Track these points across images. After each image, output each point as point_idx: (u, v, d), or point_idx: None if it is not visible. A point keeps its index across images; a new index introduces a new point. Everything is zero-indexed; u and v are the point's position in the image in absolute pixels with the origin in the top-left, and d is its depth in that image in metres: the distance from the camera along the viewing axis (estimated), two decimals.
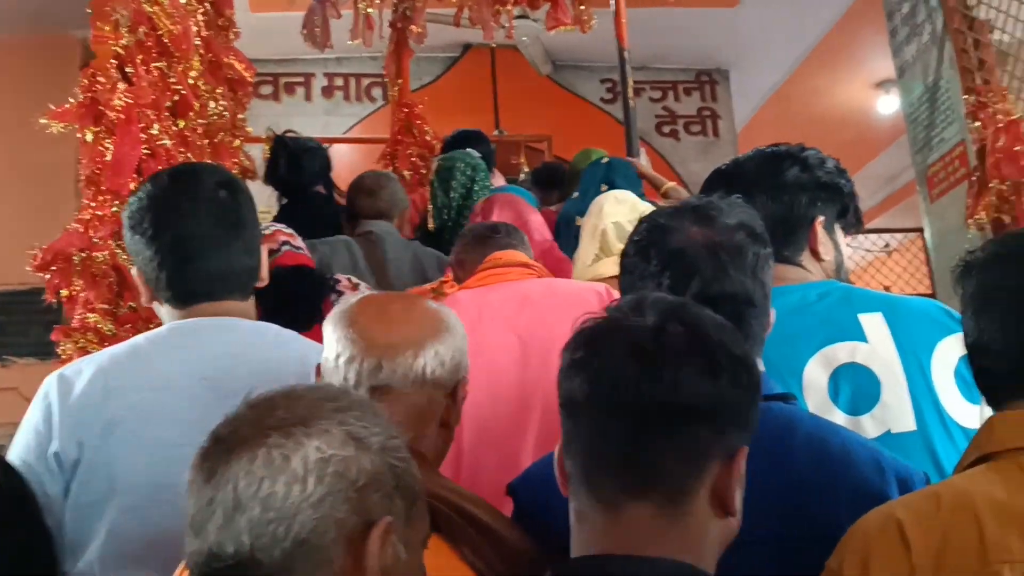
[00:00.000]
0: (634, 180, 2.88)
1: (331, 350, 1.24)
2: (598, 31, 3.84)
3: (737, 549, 0.96)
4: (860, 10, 5.33)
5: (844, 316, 1.36)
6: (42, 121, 2.01)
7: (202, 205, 1.43)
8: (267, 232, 2.21)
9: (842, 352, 1.33)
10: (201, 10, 2.65)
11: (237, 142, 3.14)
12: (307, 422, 0.79)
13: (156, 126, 2.02)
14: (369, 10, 3.65)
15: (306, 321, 2.07)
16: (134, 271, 1.48)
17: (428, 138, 3.74)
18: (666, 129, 6.31)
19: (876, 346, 1.33)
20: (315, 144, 3.12)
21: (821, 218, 1.45)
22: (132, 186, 1.85)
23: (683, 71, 6.38)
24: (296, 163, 2.99)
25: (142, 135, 1.96)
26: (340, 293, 2.18)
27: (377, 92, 5.95)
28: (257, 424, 0.80)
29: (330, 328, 1.25)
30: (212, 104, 2.63)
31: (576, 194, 2.94)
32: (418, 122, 3.80)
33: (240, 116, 3.24)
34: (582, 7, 3.71)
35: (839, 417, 1.29)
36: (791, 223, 1.43)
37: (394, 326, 1.24)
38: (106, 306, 1.98)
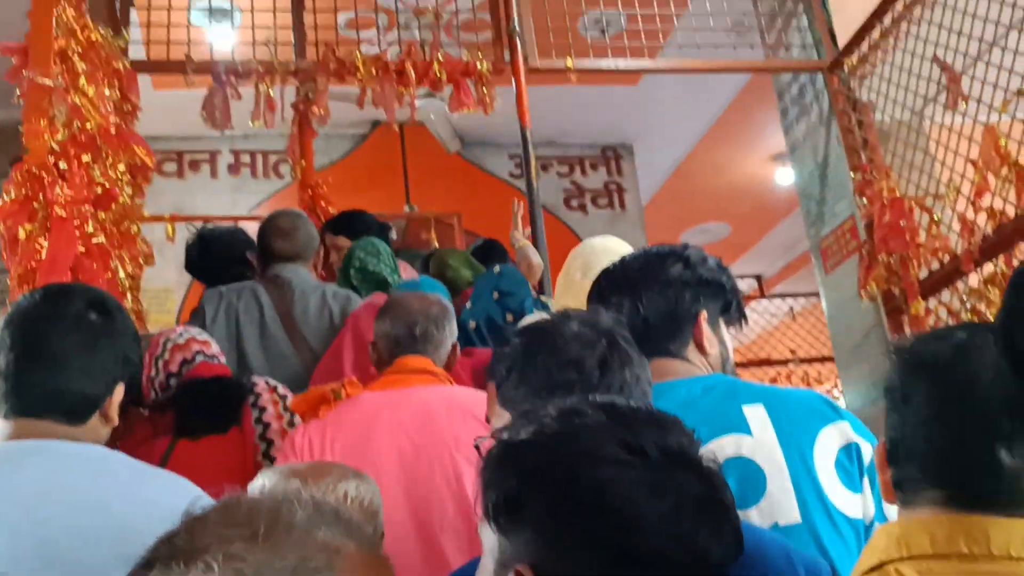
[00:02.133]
0: (521, 282, 3.02)
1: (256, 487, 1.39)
2: (504, 108, 3.92)
3: None
4: (753, 89, 5.58)
5: (729, 409, 1.39)
6: None
7: (62, 324, 1.43)
8: (180, 341, 2.24)
9: (728, 445, 1.35)
10: (113, 97, 2.62)
11: (135, 227, 3.08)
12: (191, 556, 0.70)
13: (91, 223, 1.97)
14: (271, 91, 3.64)
15: (223, 425, 2.09)
16: None
17: None
18: (574, 203, 6.43)
19: (760, 438, 1.35)
20: (229, 231, 3.14)
21: (704, 313, 1.50)
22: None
23: (589, 147, 6.55)
24: (207, 250, 3.02)
25: (76, 232, 1.90)
26: (258, 395, 2.19)
27: (285, 168, 5.92)
28: (155, 551, 0.74)
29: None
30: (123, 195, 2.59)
31: (469, 304, 3.04)
32: (322, 203, 3.79)
33: (138, 201, 3.19)
34: (484, 89, 3.78)
35: None
36: (676, 318, 1.48)
37: (319, 465, 1.45)
38: None
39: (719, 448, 1.36)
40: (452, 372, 2.18)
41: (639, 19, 4.22)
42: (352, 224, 3.48)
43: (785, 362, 8.19)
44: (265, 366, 2.55)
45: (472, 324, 2.86)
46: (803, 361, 8.06)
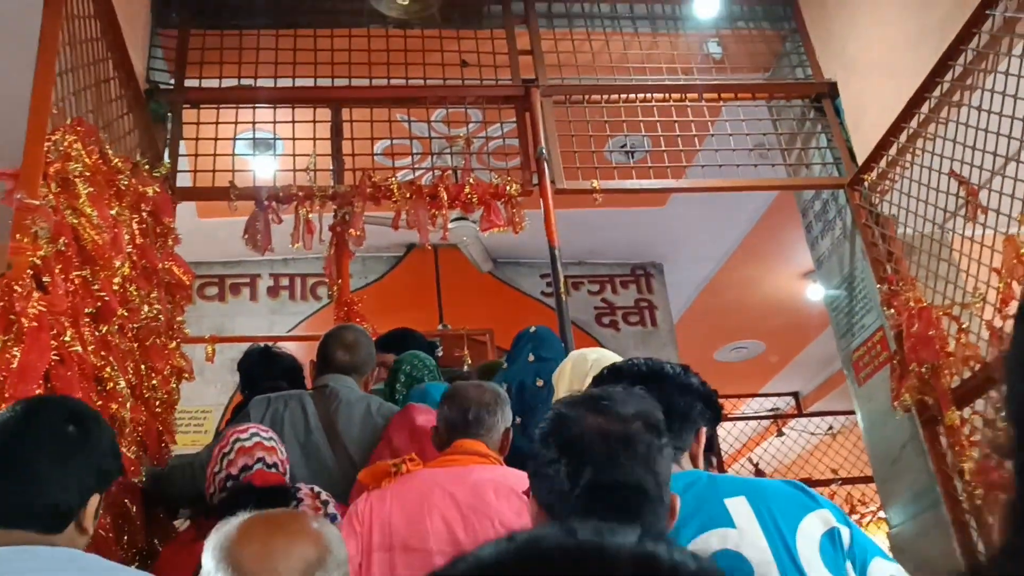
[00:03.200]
0: (558, 349, 3.07)
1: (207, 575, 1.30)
2: (535, 229, 4.04)
3: None
4: (778, 208, 5.69)
5: (712, 503, 1.44)
6: None
7: (36, 436, 1.49)
8: (247, 444, 2.31)
9: (714, 540, 1.39)
10: (137, 219, 2.76)
11: (174, 344, 3.19)
12: None
13: (69, 333, 2.04)
14: (310, 215, 3.82)
15: None
16: None
17: None
18: (606, 320, 6.50)
19: (744, 530, 1.40)
20: (281, 353, 3.28)
21: (705, 428, 1.58)
22: (39, 392, 1.86)
23: (619, 265, 6.66)
24: (264, 361, 3.14)
25: (52, 342, 1.97)
26: (300, 500, 2.26)
27: (322, 291, 6.09)
28: None
29: (209, 554, 1.30)
30: (145, 308, 2.69)
31: (505, 364, 3.12)
32: (357, 320, 3.88)
33: (179, 319, 3.31)
34: (514, 210, 3.92)
35: None
36: (688, 421, 1.55)
37: (274, 559, 1.30)
38: None
39: (705, 544, 1.39)
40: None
41: (662, 141, 4.38)
42: (403, 342, 3.58)
43: (827, 482, 7.97)
44: (305, 472, 2.60)
45: (504, 386, 2.89)
46: (845, 481, 7.85)
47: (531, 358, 2.99)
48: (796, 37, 4.74)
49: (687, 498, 1.42)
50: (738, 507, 1.41)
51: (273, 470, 2.33)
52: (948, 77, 3.61)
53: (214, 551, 1.30)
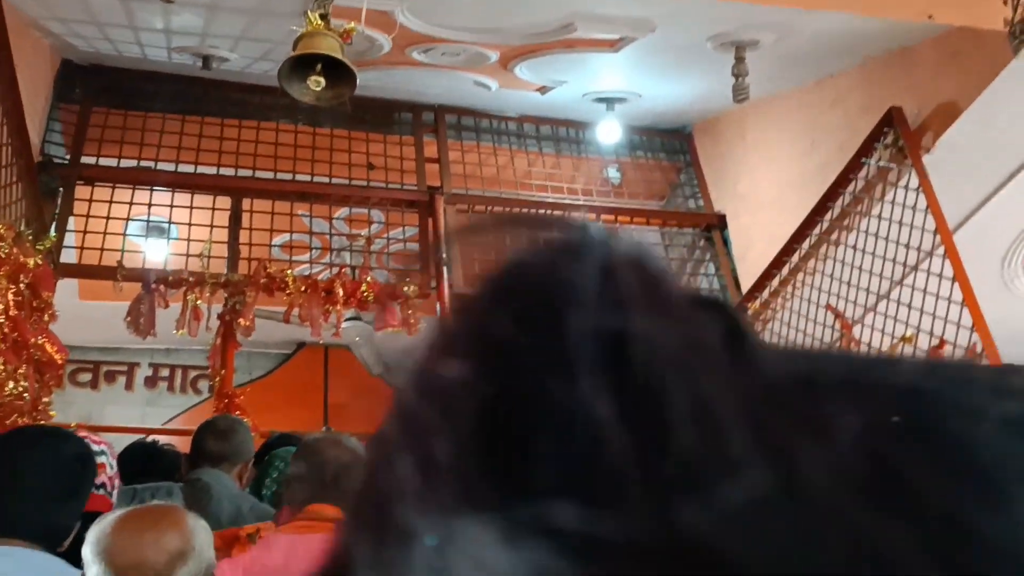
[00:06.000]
0: None
1: (87, 566, 1.41)
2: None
3: None
4: None
5: None
6: None
7: (53, 463, 1.67)
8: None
9: None
10: (13, 289, 2.64)
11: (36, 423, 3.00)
12: None
13: None
14: (198, 302, 3.71)
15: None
16: None
17: None
18: None
19: None
20: (166, 449, 3.08)
21: None
22: None
23: None
24: (145, 457, 2.95)
25: None
26: None
27: (203, 384, 5.87)
28: None
29: (88, 547, 1.41)
30: (10, 384, 2.54)
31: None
32: (238, 413, 3.74)
33: (45, 399, 3.13)
34: (410, 312, 3.92)
35: None
36: None
37: (143, 549, 1.43)
38: None
39: None
40: None
41: None
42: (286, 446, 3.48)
43: None
44: None
45: None
46: None
47: None
48: (690, 170, 5.00)
49: None
50: None
51: (101, 491, 2.17)
52: (827, 217, 3.86)
53: (91, 544, 1.40)
